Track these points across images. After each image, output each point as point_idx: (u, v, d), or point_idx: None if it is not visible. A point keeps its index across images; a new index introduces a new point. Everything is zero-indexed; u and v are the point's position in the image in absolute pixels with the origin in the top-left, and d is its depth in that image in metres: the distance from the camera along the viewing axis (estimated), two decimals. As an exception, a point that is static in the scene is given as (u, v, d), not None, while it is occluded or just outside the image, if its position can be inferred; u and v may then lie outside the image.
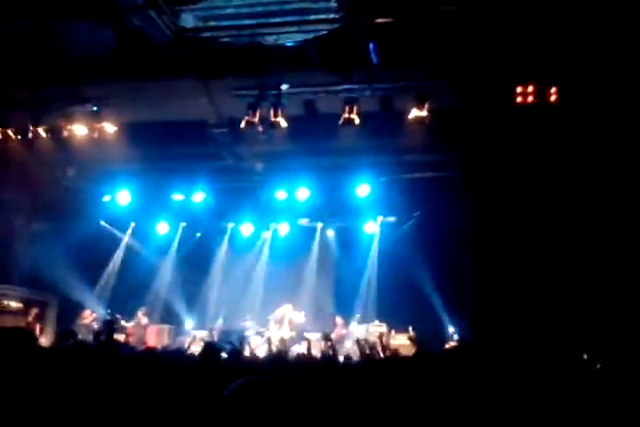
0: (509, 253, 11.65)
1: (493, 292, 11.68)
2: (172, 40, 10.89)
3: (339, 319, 14.90)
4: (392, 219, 15.91)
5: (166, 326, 15.85)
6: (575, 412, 4.25)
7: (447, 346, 12.17)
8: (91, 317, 15.00)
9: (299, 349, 13.92)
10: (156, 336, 15.17)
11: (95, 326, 14.72)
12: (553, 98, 11.11)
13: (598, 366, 7.15)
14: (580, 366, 6.93)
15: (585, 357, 7.58)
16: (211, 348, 6.47)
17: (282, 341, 14.55)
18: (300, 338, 14.75)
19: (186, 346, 10.73)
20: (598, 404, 4.18)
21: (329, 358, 7.96)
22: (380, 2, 9.79)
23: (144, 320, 15.34)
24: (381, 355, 7.94)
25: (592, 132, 11.20)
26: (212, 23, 10.71)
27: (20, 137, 13.06)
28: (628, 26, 9.69)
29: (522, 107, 11.18)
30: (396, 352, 8.04)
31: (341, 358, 9.11)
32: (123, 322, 14.70)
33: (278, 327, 14.97)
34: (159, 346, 13.05)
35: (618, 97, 10.78)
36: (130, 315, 15.42)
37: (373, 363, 6.13)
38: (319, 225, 16.86)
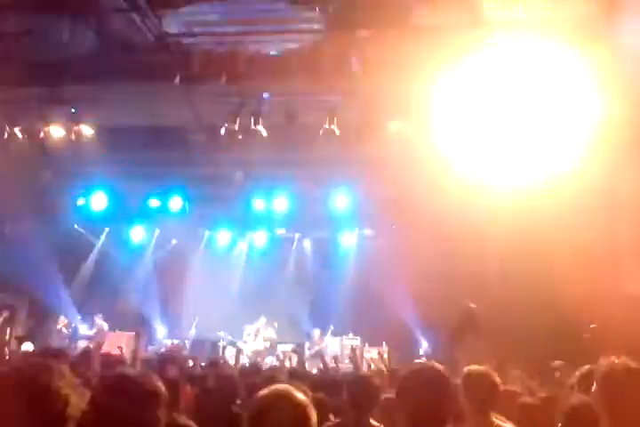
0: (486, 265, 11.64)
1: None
2: (154, 44, 10.80)
3: (316, 332, 14.78)
4: (369, 231, 15.84)
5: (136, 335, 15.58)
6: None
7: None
8: (63, 322, 14.78)
9: (271, 361, 13.86)
10: (125, 345, 14.90)
11: (65, 331, 14.55)
12: None
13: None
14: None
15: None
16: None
17: (255, 353, 14.47)
18: (272, 351, 14.66)
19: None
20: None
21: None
22: (361, 14, 9.75)
23: (104, 326, 15.09)
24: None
25: None
26: (196, 29, 10.63)
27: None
28: None
29: None
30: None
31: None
32: (85, 329, 14.54)
33: (253, 339, 14.83)
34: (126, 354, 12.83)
35: None
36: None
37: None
38: (296, 235, 16.76)
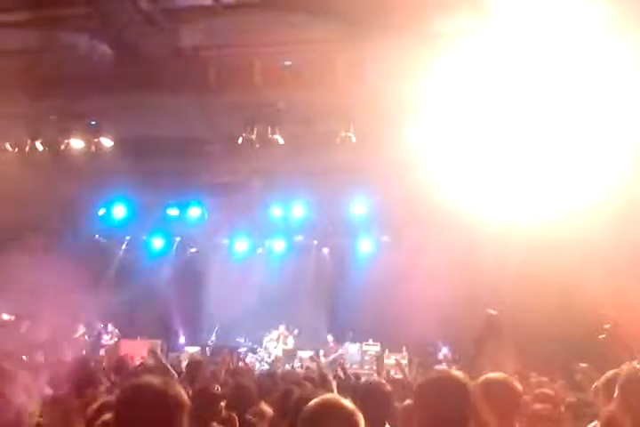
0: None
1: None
2: (170, 57, 10.91)
3: (330, 338, 14.80)
4: (387, 238, 15.82)
5: (158, 342, 15.71)
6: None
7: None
8: (82, 331, 14.92)
9: (291, 367, 13.94)
10: (147, 352, 15.01)
11: (84, 340, 14.69)
12: None
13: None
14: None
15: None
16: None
17: (275, 360, 14.53)
18: (292, 358, 14.71)
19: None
20: None
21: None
22: (377, 22, 9.79)
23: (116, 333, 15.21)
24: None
25: None
26: (211, 41, 10.73)
27: (17, 150, 13.03)
28: None
29: None
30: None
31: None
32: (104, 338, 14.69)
33: (274, 346, 14.88)
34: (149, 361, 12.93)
35: None
36: (126, 329, 15.39)
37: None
38: (315, 242, 16.78)
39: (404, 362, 13.76)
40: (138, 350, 14.77)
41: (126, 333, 15.48)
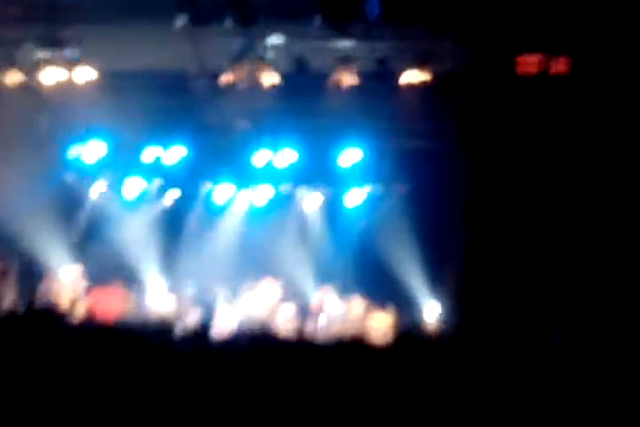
0: (502, 233, 11.40)
1: (482, 272, 11.45)
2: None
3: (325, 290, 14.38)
4: (380, 188, 15.36)
5: (132, 291, 15.23)
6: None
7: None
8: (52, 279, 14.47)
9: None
10: (121, 301, 14.61)
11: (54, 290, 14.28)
12: (561, 68, 10.74)
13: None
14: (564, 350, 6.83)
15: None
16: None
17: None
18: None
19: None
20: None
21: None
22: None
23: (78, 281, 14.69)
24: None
25: (597, 107, 10.85)
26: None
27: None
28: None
29: (526, 77, 10.86)
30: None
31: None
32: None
33: (255, 298, 14.46)
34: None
35: (624, 70, 10.46)
36: (98, 277, 14.87)
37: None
38: (302, 191, 16.25)
39: (389, 321, 13.56)
40: (110, 298, 14.34)
41: (98, 280, 15.00)
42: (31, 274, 14.52)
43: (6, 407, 2.56)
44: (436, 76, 10.91)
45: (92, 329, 5.65)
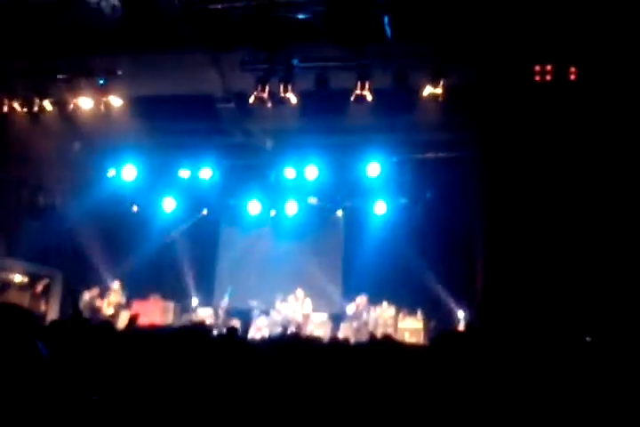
0: (523, 239, 11.35)
1: (504, 278, 11.42)
2: (180, 11, 10.59)
3: (364, 298, 14.59)
4: (403, 200, 15.56)
5: (171, 303, 15.71)
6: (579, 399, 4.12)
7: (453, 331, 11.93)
8: (94, 292, 14.93)
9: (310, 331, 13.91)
10: (160, 313, 15.03)
11: (97, 303, 14.69)
12: (572, 77, 10.84)
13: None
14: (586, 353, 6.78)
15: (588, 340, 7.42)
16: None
17: (289, 322, 14.42)
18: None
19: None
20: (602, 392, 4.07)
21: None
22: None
23: (119, 294, 15.12)
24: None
25: (613, 112, 10.91)
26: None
27: (25, 109, 12.88)
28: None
29: (540, 85, 10.93)
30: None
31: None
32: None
33: (292, 310, 14.68)
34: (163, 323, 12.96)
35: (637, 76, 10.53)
36: (138, 290, 15.40)
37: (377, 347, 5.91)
38: (328, 204, 16.53)
39: (420, 326, 13.76)
40: (150, 311, 14.78)
41: (138, 294, 15.43)
42: (75, 288, 14.89)
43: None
44: (451, 89, 11.02)
45: (136, 335, 5.90)
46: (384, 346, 4.91)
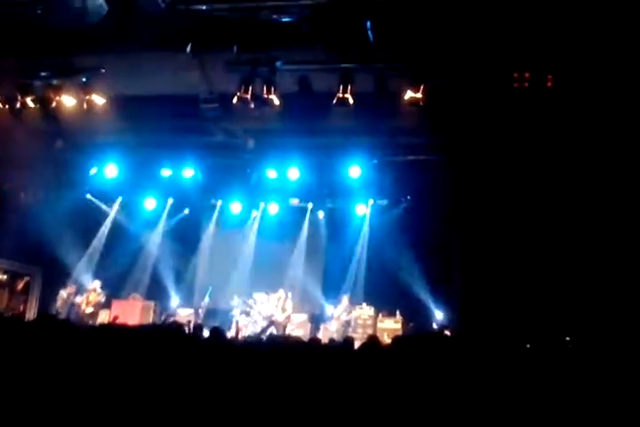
0: (498, 240, 11.55)
1: (481, 278, 11.60)
2: (165, 12, 10.63)
3: (345, 299, 14.67)
4: (383, 202, 15.71)
5: (151, 303, 15.74)
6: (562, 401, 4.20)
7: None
8: (71, 289, 14.92)
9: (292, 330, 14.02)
10: (140, 313, 15.05)
11: (75, 299, 14.70)
12: (549, 84, 11.03)
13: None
14: (565, 353, 6.92)
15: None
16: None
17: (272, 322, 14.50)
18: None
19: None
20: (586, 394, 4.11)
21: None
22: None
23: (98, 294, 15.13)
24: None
25: (588, 119, 11.13)
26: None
27: (7, 106, 12.85)
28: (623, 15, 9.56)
29: (518, 91, 11.09)
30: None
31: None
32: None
33: (273, 309, 14.75)
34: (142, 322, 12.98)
35: (614, 84, 10.73)
36: (118, 289, 15.38)
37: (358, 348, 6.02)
38: (309, 205, 16.65)
39: (398, 326, 13.91)
40: (130, 310, 14.80)
41: (118, 293, 15.46)
42: (54, 286, 14.89)
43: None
44: (432, 93, 11.14)
45: (112, 331, 5.90)
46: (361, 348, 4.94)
